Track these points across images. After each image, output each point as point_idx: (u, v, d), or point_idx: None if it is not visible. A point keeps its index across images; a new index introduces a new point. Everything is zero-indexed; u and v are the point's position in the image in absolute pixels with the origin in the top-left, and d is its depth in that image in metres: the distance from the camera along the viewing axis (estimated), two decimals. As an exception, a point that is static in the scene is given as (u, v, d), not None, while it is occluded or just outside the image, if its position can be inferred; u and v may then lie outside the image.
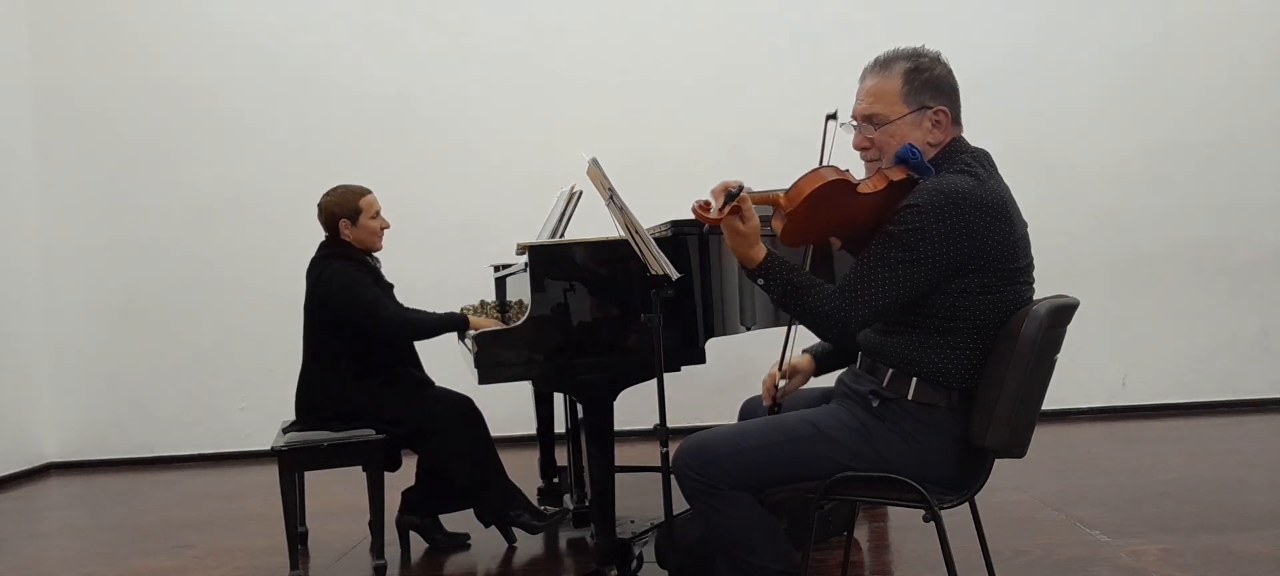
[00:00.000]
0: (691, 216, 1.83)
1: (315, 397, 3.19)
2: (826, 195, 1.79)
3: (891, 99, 1.88)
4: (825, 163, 1.87)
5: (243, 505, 4.33)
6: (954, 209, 1.75)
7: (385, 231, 3.33)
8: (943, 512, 1.84)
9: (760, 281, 1.86)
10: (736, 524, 1.89)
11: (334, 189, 3.28)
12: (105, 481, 5.20)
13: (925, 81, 1.88)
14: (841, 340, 1.86)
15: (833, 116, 1.94)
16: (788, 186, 1.81)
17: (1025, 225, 1.88)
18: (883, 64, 1.91)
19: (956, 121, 1.93)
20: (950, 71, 1.92)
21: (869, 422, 1.89)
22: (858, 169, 1.93)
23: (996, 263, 1.79)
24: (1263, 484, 3.62)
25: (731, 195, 1.77)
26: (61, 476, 5.42)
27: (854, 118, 1.95)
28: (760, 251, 1.85)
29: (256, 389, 5.45)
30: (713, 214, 1.79)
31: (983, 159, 1.90)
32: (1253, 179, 5.29)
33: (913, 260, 1.76)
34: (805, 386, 2.27)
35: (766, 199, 1.83)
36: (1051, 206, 5.27)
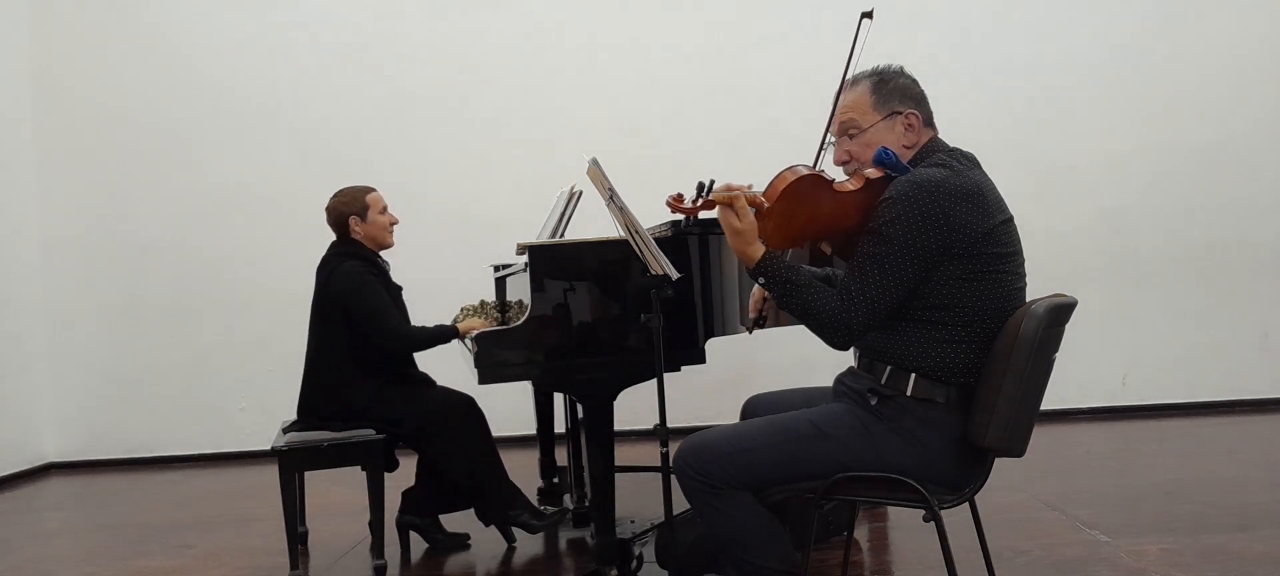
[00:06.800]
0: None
1: (318, 396, 3.20)
2: (801, 190, 1.84)
3: (863, 109, 1.97)
4: (855, 58, 1.96)
5: (243, 505, 4.33)
6: (927, 196, 1.79)
7: (395, 226, 3.35)
8: (943, 512, 1.84)
9: (761, 279, 1.89)
10: (737, 523, 1.89)
11: (339, 192, 3.30)
12: (105, 481, 5.20)
13: (891, 89, 1.97)
14: (846, 344, 1.87)
15: (868, 15, 2.00)
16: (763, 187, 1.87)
17: (1009, 215, 1.90)
18: (850, 83, 2.02)
19: (929, 124, 2.00)
20: (914, 81, 2.01)
21: (868, 421, 1.90)
22: None
23: (977, 247, 1.81)
24: (1263, 484, 3.62)
25: (702, 188, 1.84)
26: (61, 476, 5.42)
27: (831, 134, 2.04)
28: (759, 249, 1.87)
29: (256, 389, 5.46)
30: (686, 205, 1.86)
31: (961, 155, 1.94)
32: (1252, 179, 5.30)
33: (894, 252, 1.80)
34: (806, 386, 2.28)
35: (749, 201, 1.86)
36: (1051, 206, 5.28)
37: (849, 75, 2.02)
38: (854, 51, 1.99)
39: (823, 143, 2.05)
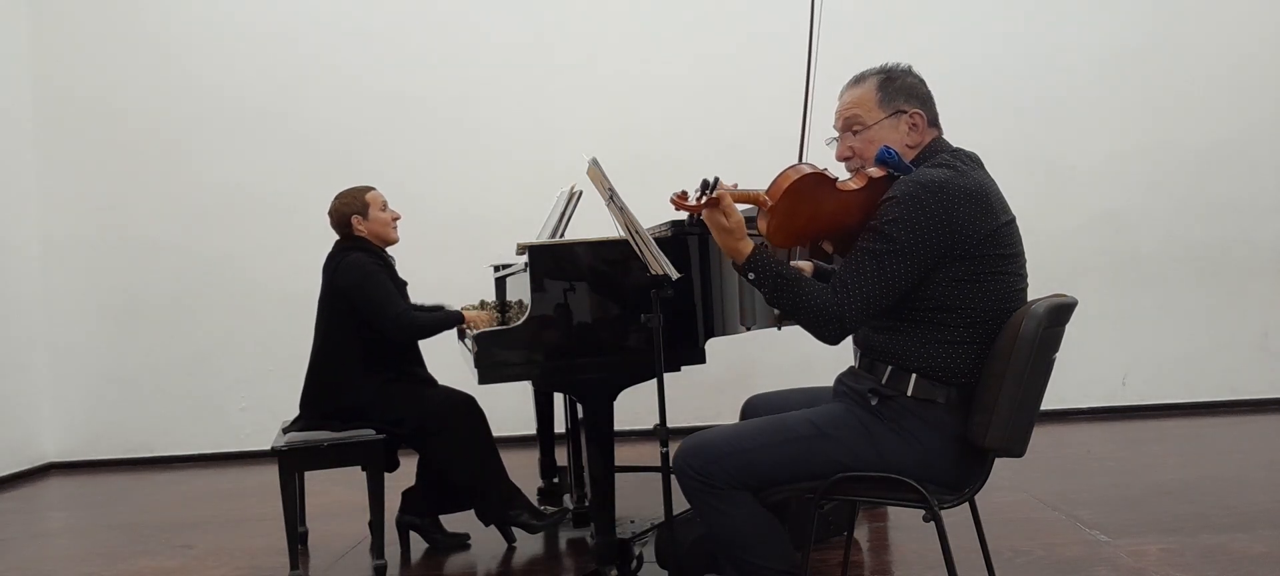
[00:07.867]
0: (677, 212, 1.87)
1: (321, 392, 3.20)
2: (805, 189, 1.83)
3: (868, 105, 1.97)
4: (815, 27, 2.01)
5: (243, 505, 4.33)
6: (931, 197, 1.78)
7: (397, 221, 3.37)
8: (943, 512, 1.84)
9: (751, 276, 1.88)
10: (736, 523, 1.90)
11: (339, 194, 3.33)
12: (105, 481, 5.20)
13: (897, 88, 1.96)
14: (837, 338, 1.86)
15: None
16: (767, 185, 1.86)
17: (1011, 217, 1.89)
18: (856, 79, 2.02)
19: (934, 124, 1.99)
20: (922, 81, 2.00)
21: (868, 421, 1.90)
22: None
23: (980, 249, 1.81)
24: (1263, 484, 3.62)
25: (707, 185, 1.82)
26: (61, 476, 5.42)
27: (835, 128, 2.04)
28: (748, 245, 1.88)
29: (256, 389, 5.46)
30: (691, 202, 1.85)
31: (965, 156, 1.93)
32: (1252, 179, 5.29)
33: (895, 251, 1.79)
34: (806, 386, 2.27)
35: (750, 198, 1.86)
36: (1051, 206, 5.28)
37: (851, 78, 2.02)
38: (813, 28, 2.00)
39: (803, 131, 2.06)
